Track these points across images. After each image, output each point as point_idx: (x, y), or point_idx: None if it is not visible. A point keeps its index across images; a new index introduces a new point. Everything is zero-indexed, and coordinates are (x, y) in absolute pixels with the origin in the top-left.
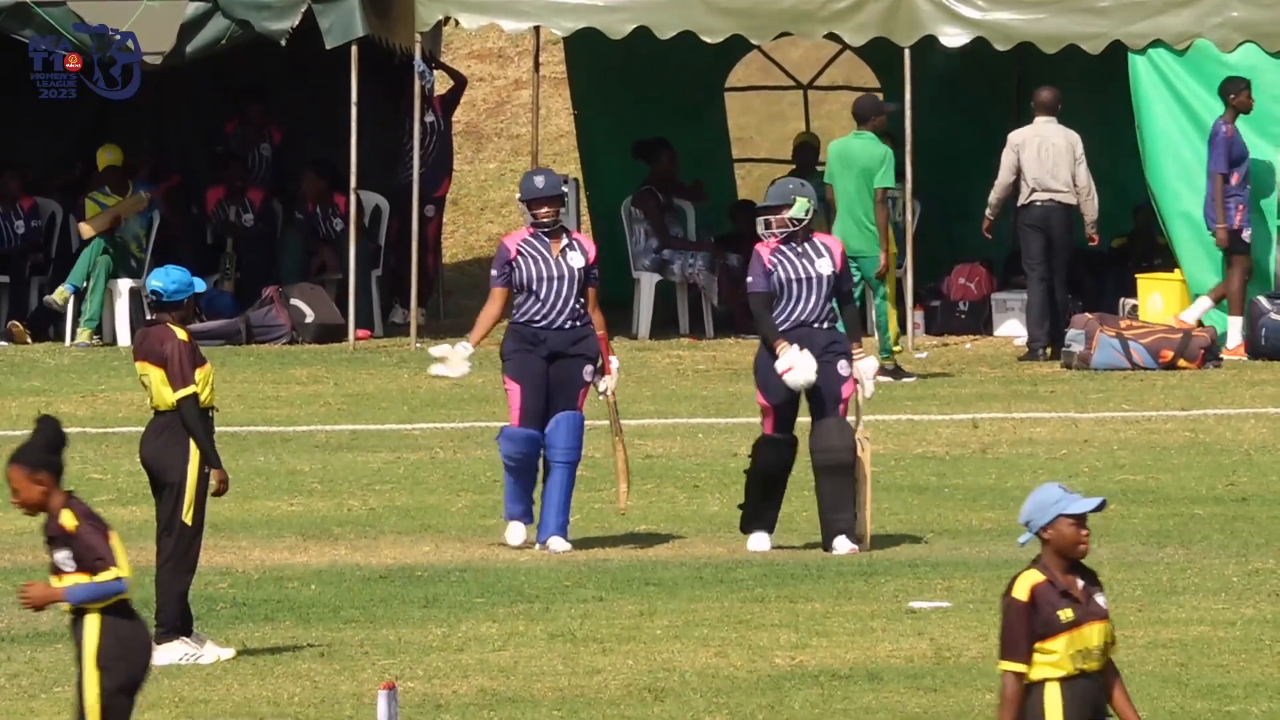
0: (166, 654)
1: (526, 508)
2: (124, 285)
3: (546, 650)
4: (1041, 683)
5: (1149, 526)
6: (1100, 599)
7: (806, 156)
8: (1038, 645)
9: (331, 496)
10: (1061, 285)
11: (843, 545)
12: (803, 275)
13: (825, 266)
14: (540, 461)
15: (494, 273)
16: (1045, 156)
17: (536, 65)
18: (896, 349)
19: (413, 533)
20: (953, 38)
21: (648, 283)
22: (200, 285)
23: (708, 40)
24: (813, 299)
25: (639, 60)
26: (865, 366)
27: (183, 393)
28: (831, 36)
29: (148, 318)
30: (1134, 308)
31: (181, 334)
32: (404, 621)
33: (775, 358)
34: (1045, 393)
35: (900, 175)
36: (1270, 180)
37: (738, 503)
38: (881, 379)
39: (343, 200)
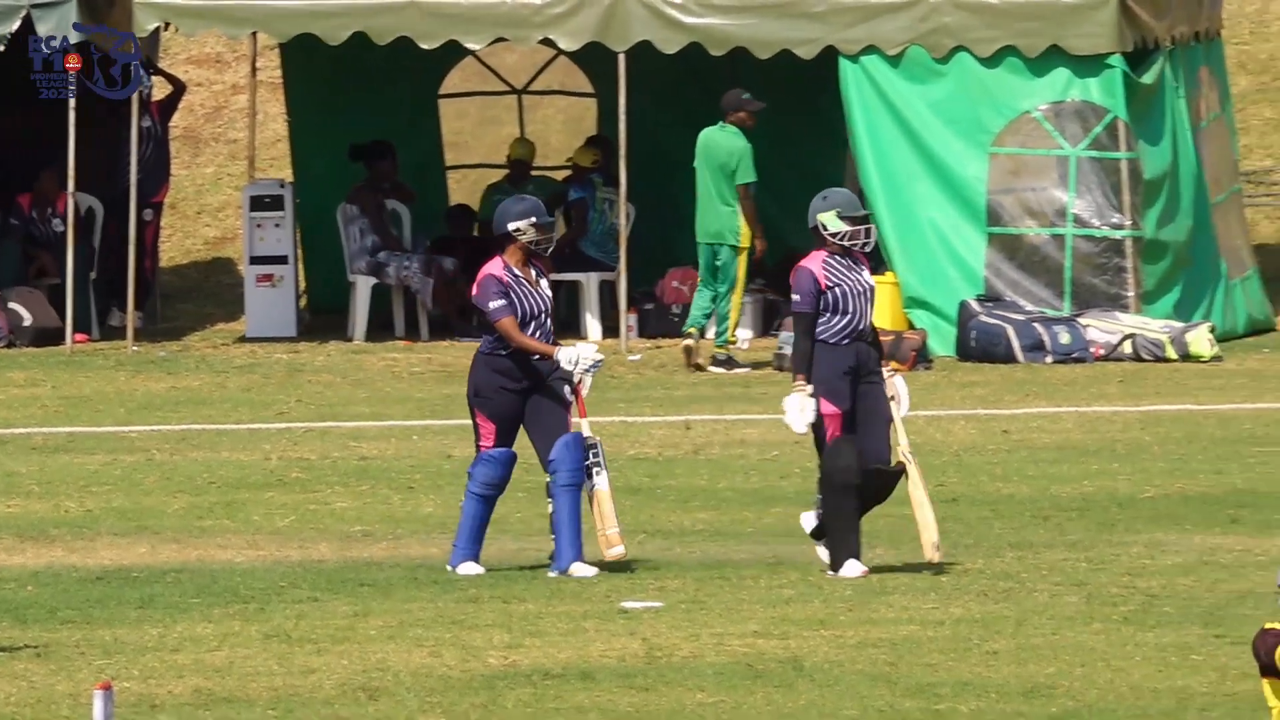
0: None
1: (479, 549)
2: None
3: (262, 650)
4: None
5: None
6: None
7: (521, 169)
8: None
9: (48, 498)
10: None
11: (854, 568)
12: (858, 288)
13: (869, 278)
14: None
15: (498, 304)
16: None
17: (253, 71)
18: (733, 340)
19: (129, 534)
20: (668, 43)
21: (363, 285)
22: None
23: (424, 46)
24: (867, 311)
25: (355, 66)
26: (899, 384)
27: None
28: (546, 42)
29: None
30: None
31: None
32: (120, 622)
33: (794, 386)
34: (757, 394)
35: (614, 180)
36: (980, 187)
37: (820, 543)
38: (714, 369)
39: (63, 202)
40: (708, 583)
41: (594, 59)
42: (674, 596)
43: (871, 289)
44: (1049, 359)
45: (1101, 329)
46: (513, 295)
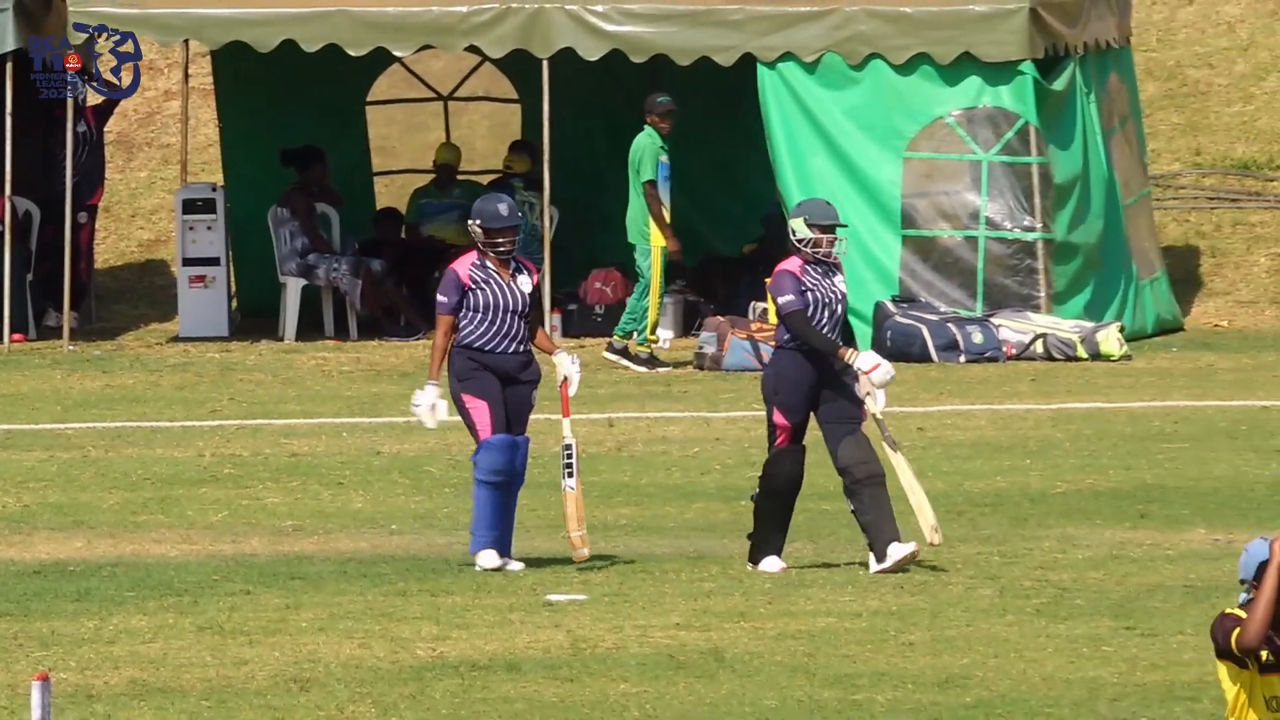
0: None
1: (503, 532)
2: None
3: (195, 642)
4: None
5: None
6: None
7: (447, 174)
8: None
9: None
10: None
11: (900, 550)
12: (831, 295)
13: (842, 284)
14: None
15: (444, 299)
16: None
17: (186, 77)
18: (654, 339)
19: (66, 529)
20: (589, 50)
21: (294, 287)
22: None
23: (352, 53)
24: (839, 316)
25: (285, 72)
26: (885, 367)
27: None
28: (472, 49)
29: None
30: (764, 311)
31: None
32: (57, 614)
33: (841, 362)
34: (679, 392)
35: (538, 184)
36: (895, 191)
37: (747, 533)
38: (638, 368)
39: (0, 205)
40: (631, 576)
41: (518, 66)
42: (598, 590)
43: (843, 295)
44: (962, 358)
45: (1013, 329)
46: (477, 289)
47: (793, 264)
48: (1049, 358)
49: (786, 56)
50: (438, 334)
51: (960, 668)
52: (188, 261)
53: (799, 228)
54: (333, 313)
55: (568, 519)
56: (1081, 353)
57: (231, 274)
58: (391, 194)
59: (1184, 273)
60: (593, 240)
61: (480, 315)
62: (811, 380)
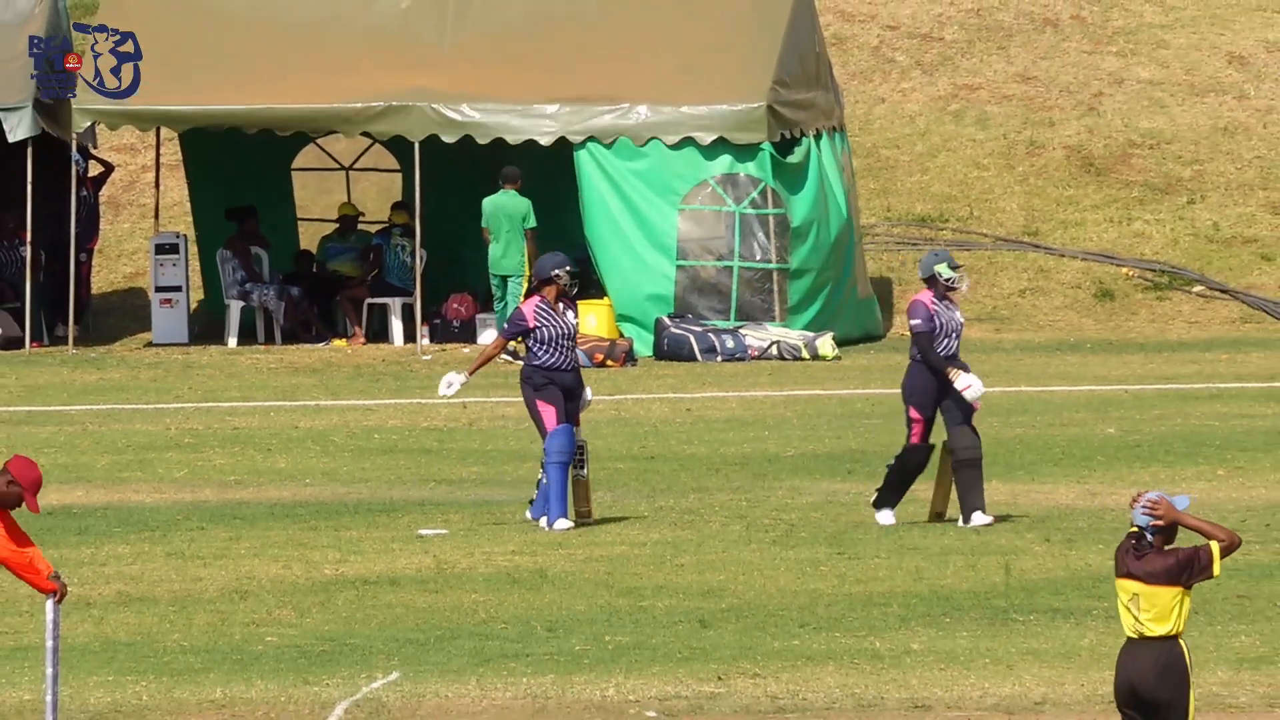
0: None
1: (566, 505)
2: None
3: (164, 564)
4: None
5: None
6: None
7: (348, 222)
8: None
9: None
10: None
11: (980, 519)
12: (953, 323)
13: (961, 316)
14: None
15: (507, 326)
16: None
17: (158, 156)
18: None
19: (70, 482)
20: (450, 134)
21: (235, 308)
22: None
23: (279, 133)
24: (957, 340)
25: (233, 150)
26: (976, 387)
27: None
28: (365, 134)
29: None
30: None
31: None
32: (64, 544)
33: (947, 380)
34: (514, 383)
35: (412, 233)
36: (673, 233)
37: (875, 489)
38: (503, 356)
39: (22, 238)
40: (479, 516)
41: (399, 146)
42: (456, 526)
43: (961, 325)
44: (719, 358)
45: (756, 337)
46: (538, 325)
47: (925, 296)
48: (781, 358)
49: (591, 139)
50: (491, 348)
51: (718, 582)
52: (159, 289)
53: (944, 270)
54: (263, 326)
55: (577, 497)
56: (805, 354)
57: (190, 298)
58: (307, 238)
59: (881, 296)
60: (451, 273)
61: (548, 345)
62: (936, 386)
